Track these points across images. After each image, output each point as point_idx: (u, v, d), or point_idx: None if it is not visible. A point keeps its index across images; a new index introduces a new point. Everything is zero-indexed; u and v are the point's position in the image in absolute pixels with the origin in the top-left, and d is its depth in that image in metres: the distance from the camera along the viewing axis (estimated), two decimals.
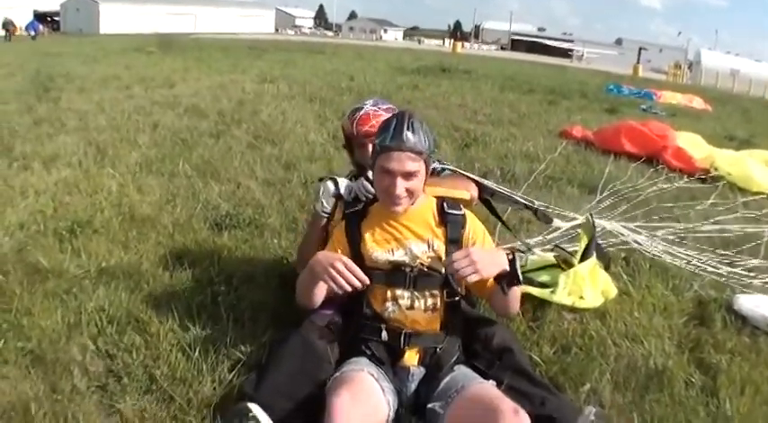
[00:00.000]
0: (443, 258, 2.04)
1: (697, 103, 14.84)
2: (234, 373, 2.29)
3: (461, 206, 2.17)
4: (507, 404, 1.71)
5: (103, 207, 3.79)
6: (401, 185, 1.97)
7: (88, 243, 3.25)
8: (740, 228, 4.39)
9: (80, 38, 29.56)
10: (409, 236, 2.08)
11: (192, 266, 3.08)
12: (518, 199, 3.12)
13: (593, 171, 5.84)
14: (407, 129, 1.94)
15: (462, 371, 2.03)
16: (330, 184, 2.40)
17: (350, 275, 1.86)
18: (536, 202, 3.32)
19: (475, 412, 1.78)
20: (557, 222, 3.42)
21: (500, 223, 3.14)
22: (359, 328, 2.09)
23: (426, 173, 2.03)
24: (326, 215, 2.41)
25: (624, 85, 16.13)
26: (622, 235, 3.64)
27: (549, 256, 3.38)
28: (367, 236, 2.10)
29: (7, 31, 29.56)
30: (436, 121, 7.80)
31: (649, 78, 28.02)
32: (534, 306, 2.92)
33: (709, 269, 3.54)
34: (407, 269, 2.06)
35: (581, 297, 2.93)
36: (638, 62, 35.07)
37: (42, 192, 4.03)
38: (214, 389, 2.23)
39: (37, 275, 2.88)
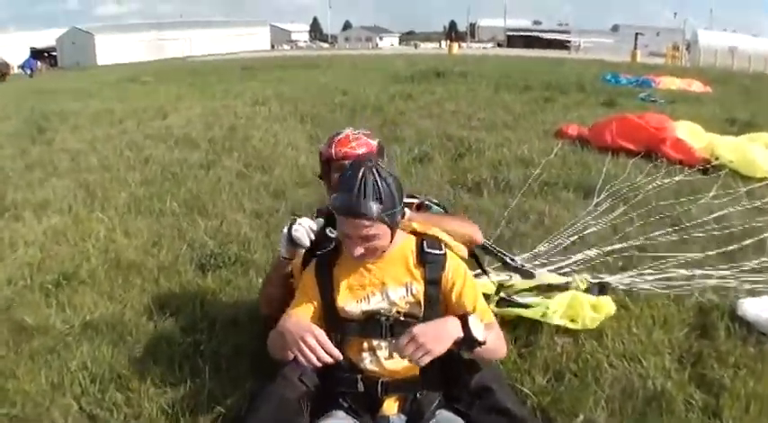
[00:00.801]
0: (422, 302, 1.99)
1: (696, 86, 14.68)
2: None
3: (442, 245, 2.06)
4: None
5: (90, 255, 3.81)
6: (359, 249, 1.90)
7: (74, 295, 3.26)
8: (742, 223, 4.30)
9: (77, 72, 29.80)
10: (386, 280, 2.00)
11: (175, 313, 3.08)
12: (503, 256, 3.06)
13: (590, 172, 5.75)
14: (364, 194, 1.81)
15: (444, 416, 1.98)
16: (285, 231, 2.31)
17: (321, 352, 1.80)
18: (517, 259, 3.24)
19: None
20: (541, 276, 3.33)
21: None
22: (334, 380, 2.02)
23: (393, 227, 1.92)
24: (286, 260, 2.37)
25: (622, 75, 15.96)
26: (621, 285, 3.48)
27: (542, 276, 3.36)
28: (340, 283, 2.02)
29: (1, 73, 29.09)
30: (429, 131, 7.77)
31: (648, 64, 27.78)
32: (527, 330, 2.86)
33: (711, 282, 3.42)
34: (383, 318, 1.99)
35: (572, 320, 2.87)
36: (635, 48, 34.83)
37: (31, 243, 4.06)
38: None
39: (23, 334, 2.90)
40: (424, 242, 2.03)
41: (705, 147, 6.41)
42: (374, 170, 1.84)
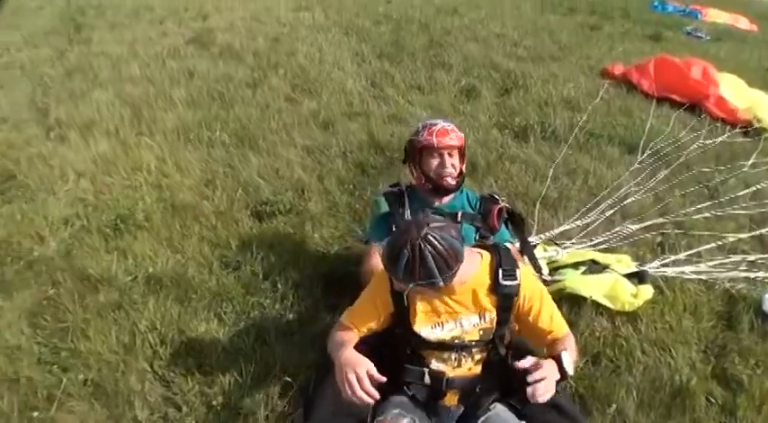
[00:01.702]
0: (494, 326, 2.02)
1: (743, 23, 13.92)
2: (285, 400, 2.34)
3: (517, 272, 2.01)
4: None
5: (144, 194, 3.76)
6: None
7: (133, 242, 3.26)
8: None
9: None
10: (460, 310, 2.00)
11: (236, 269, 3.09)
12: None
13: (635, 123, 5.51)
14: (418, 267, 1.79)
15: (498, 411, 2.06)
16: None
17: (360, 393, 1.81)
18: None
19: None
20: (586, 252, 3.42)
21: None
22: (403, 370, 2.09)
23: (454, 272, 1.85)
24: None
25: (669, 2, 15.02)
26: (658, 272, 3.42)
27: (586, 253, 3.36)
28: (416, 306, 2.01)
29: None
30: (476, 58, 7.38)
31: None
32: (569, 310, 2.91)
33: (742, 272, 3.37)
34: (456, 341, 2.03)
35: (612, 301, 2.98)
36: None
37: (82, 173, 4.01)
38: (267, 417, 2.29)
39: (87, 284, 2.93)
40: (500, 271, 2.00)
41: (748, 108, 6.05)
42: (429, 244, 1.78)
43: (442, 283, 1.82)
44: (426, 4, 11.04)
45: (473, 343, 2.04)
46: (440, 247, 1.78)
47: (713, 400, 2.55)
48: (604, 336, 2.82)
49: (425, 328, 2.02)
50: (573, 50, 8.46)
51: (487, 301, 1.99)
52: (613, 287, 3.01)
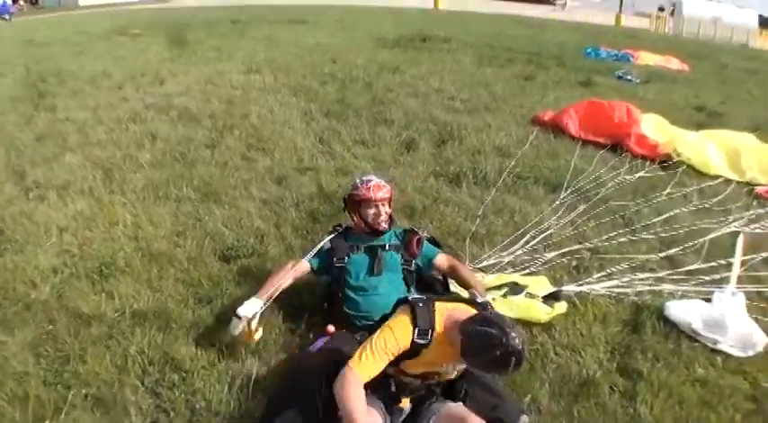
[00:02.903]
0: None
1: (674, 63, 15.20)
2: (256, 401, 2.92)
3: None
4: (474, 419, 2.46)
5: (123, 244, 4.32)
6: None
7: (117, 284, 3.80)
8: (688, 225, 5.02)
9: (59, 15, 28.99)
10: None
11: (209, 303, 3.66)
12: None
13: (560, 165, 6.35)
14: (516, 366, 2.29)
15: (440, 400, 2.69)
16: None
17: None
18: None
19: None
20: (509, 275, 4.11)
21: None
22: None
23: None
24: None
25: (602, 48, 16.36)
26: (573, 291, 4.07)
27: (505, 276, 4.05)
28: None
29: None
30: (416, 113, 8.20)
31: (631, 29, 28.20)
32: None
33: (648, 286, 4.11)
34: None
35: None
36: (620, 11, 34.94)
37: (64, 228, 4.53)
38: (241, 416, 2.86)
39: (80, 320, 3.45)
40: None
41: (668, 142, 7.00)
42: (524, 350, 2.32)
43: None
44: (370, 62, 11.95)
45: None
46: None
47: (616, 389, 3.14)
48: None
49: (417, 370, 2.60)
50: (507, 101, 9.37)
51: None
52: (528, 309, 3.63)
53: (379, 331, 2.53)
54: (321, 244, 3.51)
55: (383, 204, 3.49)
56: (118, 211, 4.87)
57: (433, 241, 3.69)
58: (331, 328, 3.24)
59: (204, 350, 3.23)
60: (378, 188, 3.47)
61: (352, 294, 3.33)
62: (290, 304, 3.60)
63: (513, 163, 6.22)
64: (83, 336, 3.30)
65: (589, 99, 8.24)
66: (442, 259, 3.57)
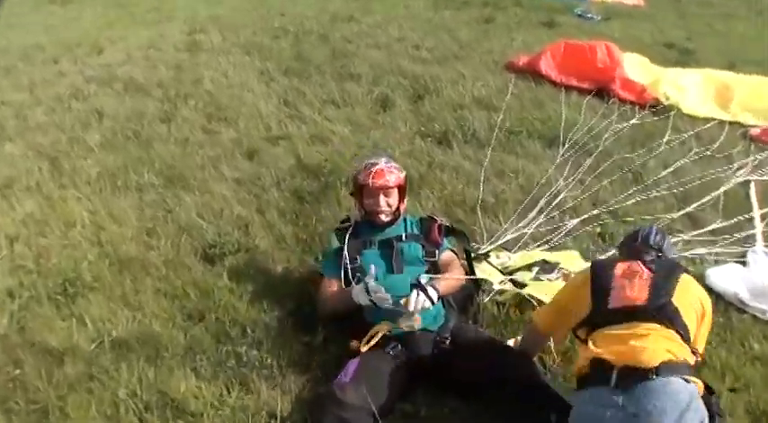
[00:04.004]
0: None
1: None
2: None
3: None
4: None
5: (85, 250, 3.68)
6: None
7: (87, 305, 3.19)
8: (698, 177, 4.74)
9: None
10: None
11: (201, 319, 3.12)
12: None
13: (549, 116, 5.94)
14: None
15: None
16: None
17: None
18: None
19: None
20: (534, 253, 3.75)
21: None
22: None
23: None
24: None
25: None
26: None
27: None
28: None
29: None
30: (383, 65, 7.55)
31: None
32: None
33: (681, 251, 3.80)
34: None
35: None
36: None
37: (14, 237, 3.85)
38: None
39: (50, 358, 2.87)
40: None
41: (653, 83, 6.65)
42: None
43: None
44: (321, 12, 11.05)
45: None
46: None
47: None
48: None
49: None
50: (474, 47, 8.75)
51: None
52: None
53: None
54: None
55: (387, 193, 3.03)
56: (73, 208, 4.17)
57: (452, 231, 3.24)
58: (354, 343, 2.76)
59: (207, 382, 2.72)
60: (379, 175, 3.02)
61: None
62: (299, 311, 3.12)
63: (501, 116, 5.76)
64: (57, 379, 2.73)
65: (557, 41, 7.79)
66: (445, 256, 3.15)
